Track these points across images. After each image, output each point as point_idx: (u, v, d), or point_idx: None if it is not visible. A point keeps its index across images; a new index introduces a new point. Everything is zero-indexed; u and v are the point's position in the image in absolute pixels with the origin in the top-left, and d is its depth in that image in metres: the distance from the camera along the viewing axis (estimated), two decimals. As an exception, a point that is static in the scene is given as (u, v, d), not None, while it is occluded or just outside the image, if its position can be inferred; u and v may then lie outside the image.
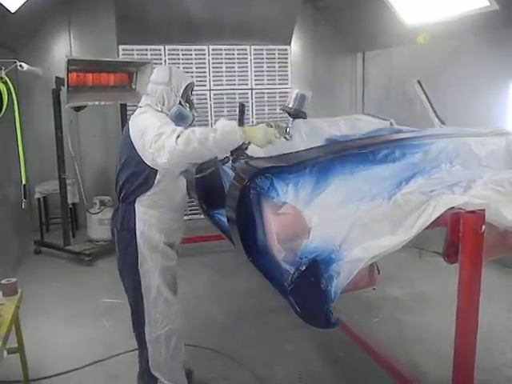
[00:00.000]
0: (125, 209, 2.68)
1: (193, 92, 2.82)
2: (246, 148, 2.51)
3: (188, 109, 2.73)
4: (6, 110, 2.97)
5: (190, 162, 2.53)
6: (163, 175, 2.58)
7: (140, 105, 2.73)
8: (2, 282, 2.86)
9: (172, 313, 2.75)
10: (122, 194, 2.69)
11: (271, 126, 2.44)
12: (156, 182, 2.58)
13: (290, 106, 2.48)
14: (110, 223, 2.85)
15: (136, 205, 2.65)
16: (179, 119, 2.65)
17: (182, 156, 2.31)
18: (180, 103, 2.69)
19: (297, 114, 2.48)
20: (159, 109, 2.65)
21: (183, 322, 2.86)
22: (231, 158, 2.58)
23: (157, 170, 2.53)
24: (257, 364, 3.29)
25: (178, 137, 2.28)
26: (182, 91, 2.69)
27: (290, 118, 2.50)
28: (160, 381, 2.81)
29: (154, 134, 2.35)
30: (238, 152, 2.52)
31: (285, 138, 2.48)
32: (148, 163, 2.46)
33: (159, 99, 2.66)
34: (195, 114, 2.82)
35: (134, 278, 2.70)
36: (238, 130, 2.36)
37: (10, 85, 2.98)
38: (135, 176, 2.59)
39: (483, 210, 1.99)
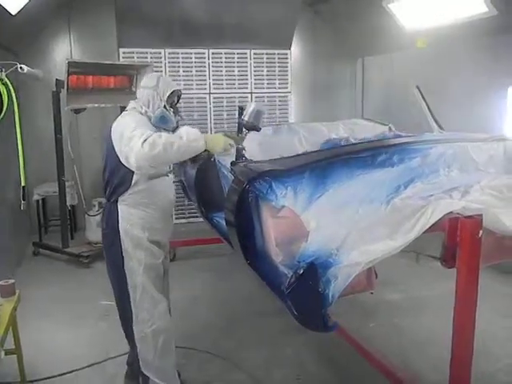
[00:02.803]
0: (109, 208, 2.79)
1: (180, 99, 2.93)
2: (202, 155, 2.65)
3: (172, 113, 2.81)
4: (6, 111, 2.98)
5: (155, 166, 2.59)
6: (140, 175, 2.67)
7: (127, 108, 2.84)
8: (0, 283, 2.86)
9: (158, 311, 2.78)
10: (106, 193, 2.80)
11: (228, 136, 2.64)
12: (133, 181, 2.68)
13: (246, 119, 2.68)
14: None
15: (119, 203, 2.75)
16: (162, 122, 2.76)
17: (147, 159, 2.43)
18: (164, 107, 2.77)
19: (252, 127, 2.70)
20: (143, 111, 2.76)
21: (171, 321, 2.89)
22: (189, 163, 2.78)
23: (133, 171, 2.61)
24: (254, 366, 3.29)
25: (145, 140, 2.40)
26: (167, 96, 2.78)
27: (245, 129, 2.71)
28: (151, 380, 2.83)
29: (127, 136, 2.48)
30: (197, 158, 2.66)
31: (238, 147, 2.69)
32: (124, 163, 2.55)
33: (145, 102, 2.77)
34: (180, 119, 2.92)
35: (119, 276, 2.77)
36: (201, 138, 2.52)
37: (11, 87, 2.99)
38: (114, 175, 2.71)
39: (481, 215, 2.00)
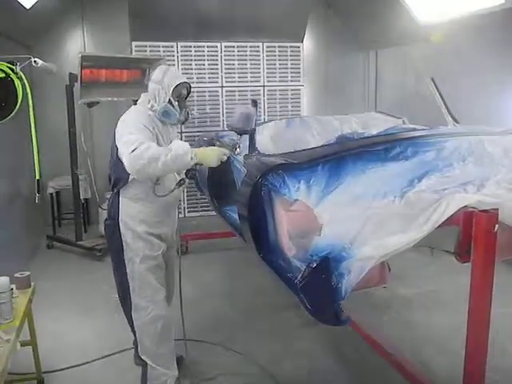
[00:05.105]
0: (112, 199, 2.83)
1: (190, 92, 2.91)
2: (196, 169, 2.71)
3: (177, 107, 2.80)
4: (20, 105, 3.00)
5: (141, 178, 2.62)
6: None
7: (138, 101, 2.88)
8: (16, 275, 2.88)
9: (157, 300, 2.82)
10: (110, 184, 2.84)
11: (221, 146, 2.73)
12: (131, 178, 2.68)
13: (235, 126, 2.74)
14: None
15: (120, 195, 2.78)
16: (165, 116, 2.77)
17: (132, 170, 2.47)
18: (170, 101, 2.76)
19: (242, 132, 2.76)
20: (149, 106, 2.77)
21: (170, 309, 2.93)
22: (186, 180, 2.77)
23: None
24: (266, 360, 3.29)
25: (132, 151, 2.42)
26: (171, 89, 2.77)
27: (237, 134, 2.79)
28: (149, 365, 2.86)
29: (122, 141, 2.53)
30: (191, 172, 2.72)
31: (234, 154, 2.75)
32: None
33: (151, 96, 2.79)
34: (190, 113, 2.93)
35: (119, 266, 2.81)
36: (190, 153, 2.51)
37: (25, 80, 3.01)
38: (116, 168, 2.72)
39: (496, 210, 1.98)
